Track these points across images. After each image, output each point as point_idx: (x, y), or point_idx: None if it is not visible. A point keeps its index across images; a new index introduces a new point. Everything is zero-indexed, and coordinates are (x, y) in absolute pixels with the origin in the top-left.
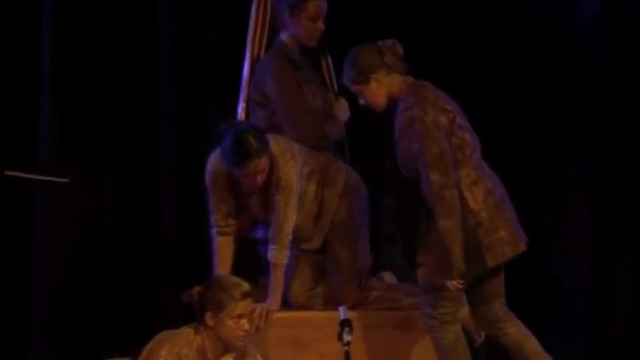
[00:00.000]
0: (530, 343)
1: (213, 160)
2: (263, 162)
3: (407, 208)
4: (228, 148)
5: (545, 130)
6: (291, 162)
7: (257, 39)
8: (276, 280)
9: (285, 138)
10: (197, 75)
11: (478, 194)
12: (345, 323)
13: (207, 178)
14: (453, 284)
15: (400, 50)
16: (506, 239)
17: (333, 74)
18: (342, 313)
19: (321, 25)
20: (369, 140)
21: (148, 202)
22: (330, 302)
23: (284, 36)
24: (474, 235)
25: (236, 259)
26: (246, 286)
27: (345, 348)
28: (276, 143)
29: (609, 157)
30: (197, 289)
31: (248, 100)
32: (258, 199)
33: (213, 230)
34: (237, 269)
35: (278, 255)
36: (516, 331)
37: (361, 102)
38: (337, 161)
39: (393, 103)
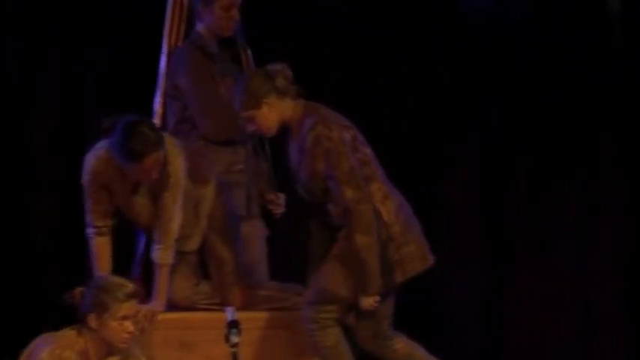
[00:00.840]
0: (419, 352)
1: (92, 158)
2: (161, 155)
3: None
4: (123, 142)
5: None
6: (179, 158)
7: (174, 30)
8: (162, 281)
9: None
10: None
11: (391, 208)
12: (233, 324)
13: (87, 177)
14: (369, 301)
15: (290, 73)
16: (415, 254)
17: (254, 67)
18: (229, 314)
19: (235, 14)
20: None
21: (26, 204)
22: (217, 302)
23: (200, 27)
24: (385, 249)
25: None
26: (130, 286)
27: (233, 350)
28: (165, 138)
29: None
30: (79, 289)
31: (165, 94)
32: (141, 197)
33: (91, 231)
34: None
35: (163, 254)
36: (404, 346)
37: (251, 128)
38: (207, 159)
39: (285, 127)
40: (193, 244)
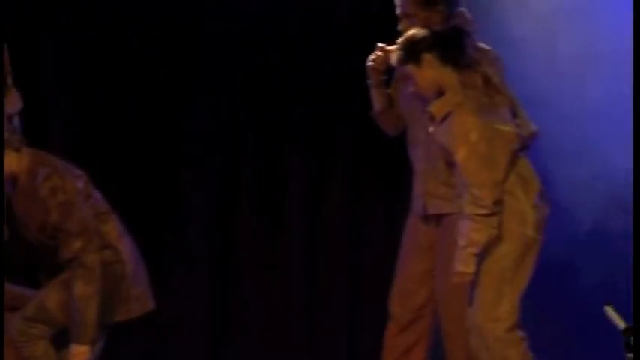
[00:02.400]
0: None
1: None
2: None
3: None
4: None
5: None
6: None
7: None
8: None
9: None
10: None
11: (126, 247)
12: None
13: None
14: (80, 350)
15: (14, 125)
16: (139, 296)
17: (9, 65)
18: None
19: None
20: None
21: None
22: None
23: None
24: (116, 286)
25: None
26: None
27: None
28: None
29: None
30: None
31: None
32: None
33: None
34: None
35: None
36: None
37: None
38: None
39: (13, 179)
40: None
